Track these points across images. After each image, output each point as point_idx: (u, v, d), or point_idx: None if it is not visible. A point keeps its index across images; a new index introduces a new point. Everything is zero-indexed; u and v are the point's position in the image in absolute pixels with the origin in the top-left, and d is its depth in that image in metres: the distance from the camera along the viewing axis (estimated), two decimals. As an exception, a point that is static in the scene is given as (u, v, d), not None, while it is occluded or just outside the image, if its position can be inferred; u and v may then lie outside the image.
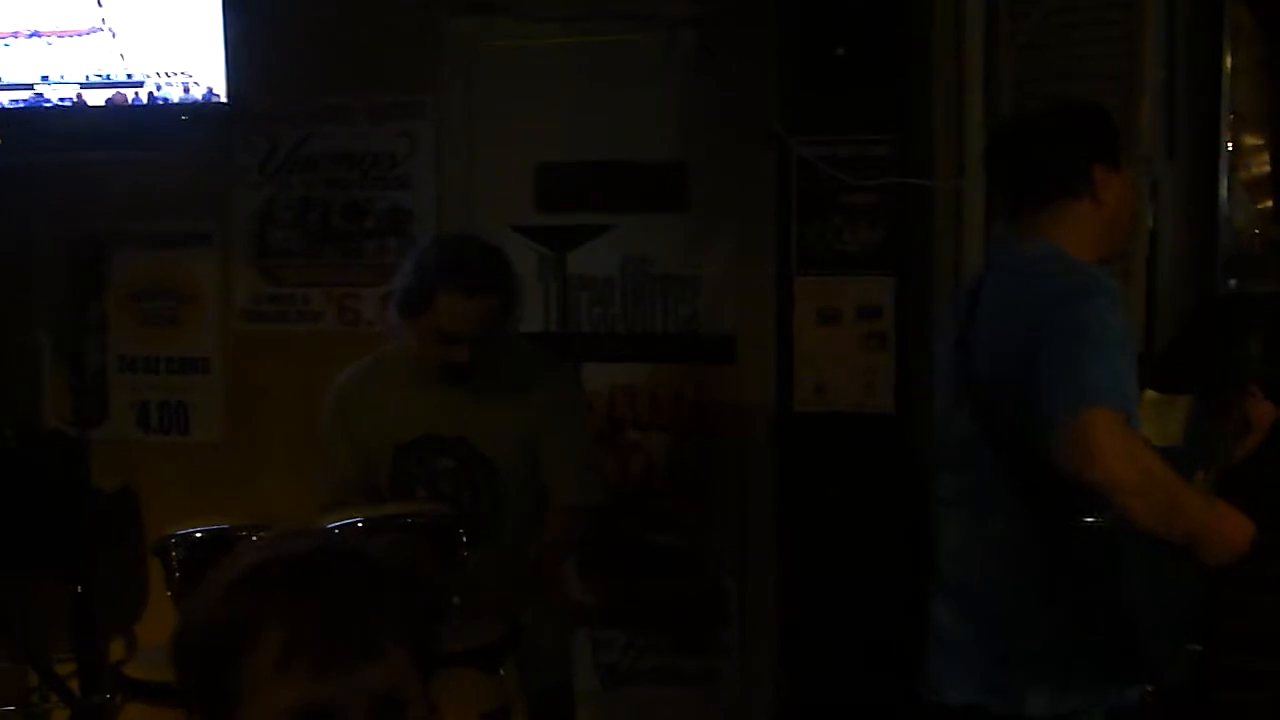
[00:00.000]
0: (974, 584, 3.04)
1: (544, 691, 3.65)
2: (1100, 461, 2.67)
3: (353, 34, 5.06)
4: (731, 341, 4.86)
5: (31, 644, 4.82)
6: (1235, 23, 5.34)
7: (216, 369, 5.40)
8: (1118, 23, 4.56)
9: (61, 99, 4.67)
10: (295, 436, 4.84)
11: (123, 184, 5.31)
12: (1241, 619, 4.17)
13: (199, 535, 3.11)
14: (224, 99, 4.65)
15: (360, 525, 3.07)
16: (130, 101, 4.65)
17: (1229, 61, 5.24)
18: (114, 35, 4.65)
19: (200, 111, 4.68)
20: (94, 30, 4.68)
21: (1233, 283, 5.35)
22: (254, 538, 2.95)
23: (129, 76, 4.67)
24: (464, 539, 3.23)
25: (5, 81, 4.66)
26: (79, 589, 4.70)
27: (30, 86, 4.72)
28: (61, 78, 4.69)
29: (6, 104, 4.66)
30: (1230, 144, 5.37)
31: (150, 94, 4.65)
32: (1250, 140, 6.02)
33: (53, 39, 4.65)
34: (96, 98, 4.68)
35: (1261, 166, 6.24)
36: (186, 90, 4.63)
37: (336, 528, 3.00)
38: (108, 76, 4.67)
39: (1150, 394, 3.04)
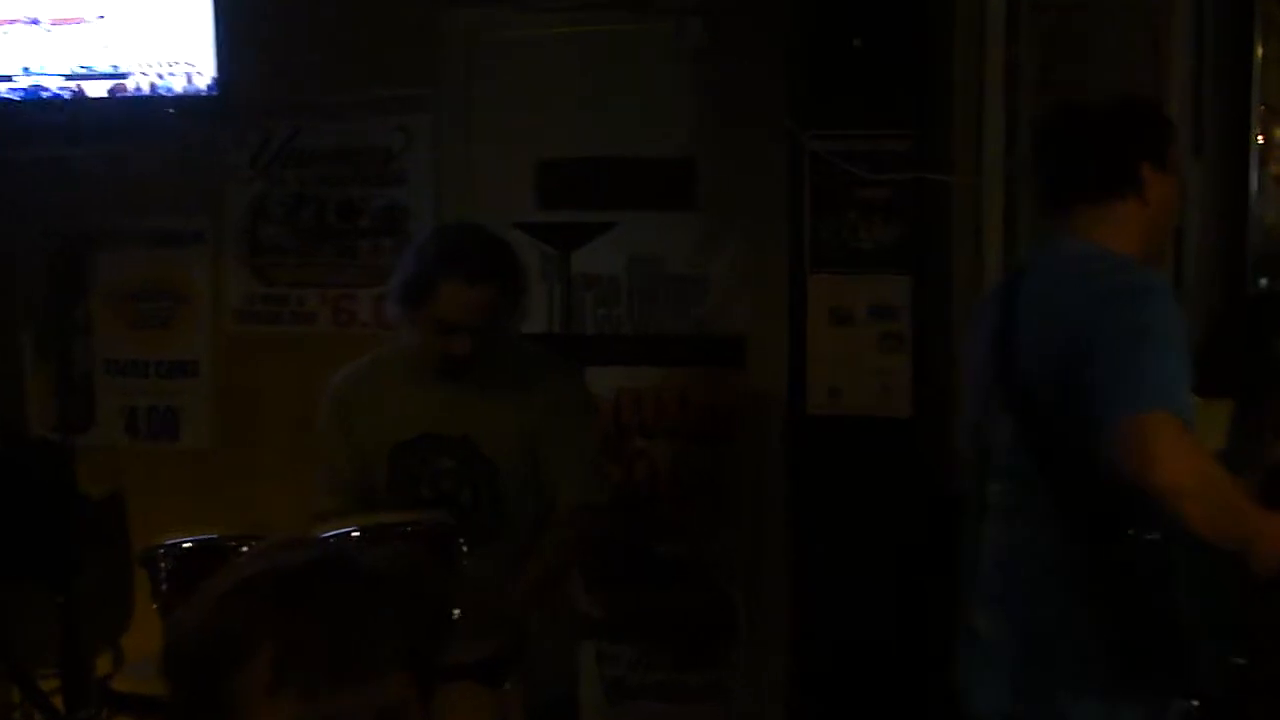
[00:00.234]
0: (1016, 593, 3.04)
1: (548, 706, 3.63)
2: (1160, 465, 2.67)
3: (348, 25, 5.06)
4: (742, 343, 4.86)
5: (14, 657, 4.82)
6: (1266, 12, 5.33)
7: (207, 372, 5.41)
8: (1144, 13, 4.55)
9: (60, 89, 4.67)
10: (289, 442, 4.86)
11: (109, 179, 5.32)
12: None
13: (188, 545, 3.10)
14: (214, 91, 4.66)
15: (356, 534, 3.07)
16: (132, 92, 4.65)
17: (1259, 52, 5.23)
18: (102, 19, 4.65)
19: (189, 104, 4.69)
20: (81, 20, 4.69)
21: (1263, 282, 5.34)
22: (245, 548, 3.00)
23: (115, 68, 4.67)
24: (464, 547, 3.23)
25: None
26: (63, 600, 4.70)
27: (10, 78, 4.73)
28: (42, 69, 4.69)
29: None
30: (1260, 138, 5.36)
31: (153, 85, 4.66)
32: (1281, 134, 6.01)
33: (48, 27, 4.66)
34: (96, 89, 4.69)
35: (1292, 161, 6.22)
36: (190, 80, 4.63)
37: (331, 537, 3.00)
38: (92, 69, 4.67)
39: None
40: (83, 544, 4.88)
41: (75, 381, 5.44)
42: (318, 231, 5.25)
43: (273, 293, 5.30)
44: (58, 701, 4.70)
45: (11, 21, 4.69)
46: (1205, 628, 2.86)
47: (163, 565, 3.08)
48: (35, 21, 4.74)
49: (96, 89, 4.78)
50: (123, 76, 4.67)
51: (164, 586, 3.07)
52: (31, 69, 4.68)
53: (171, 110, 4.69)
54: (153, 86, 4.66)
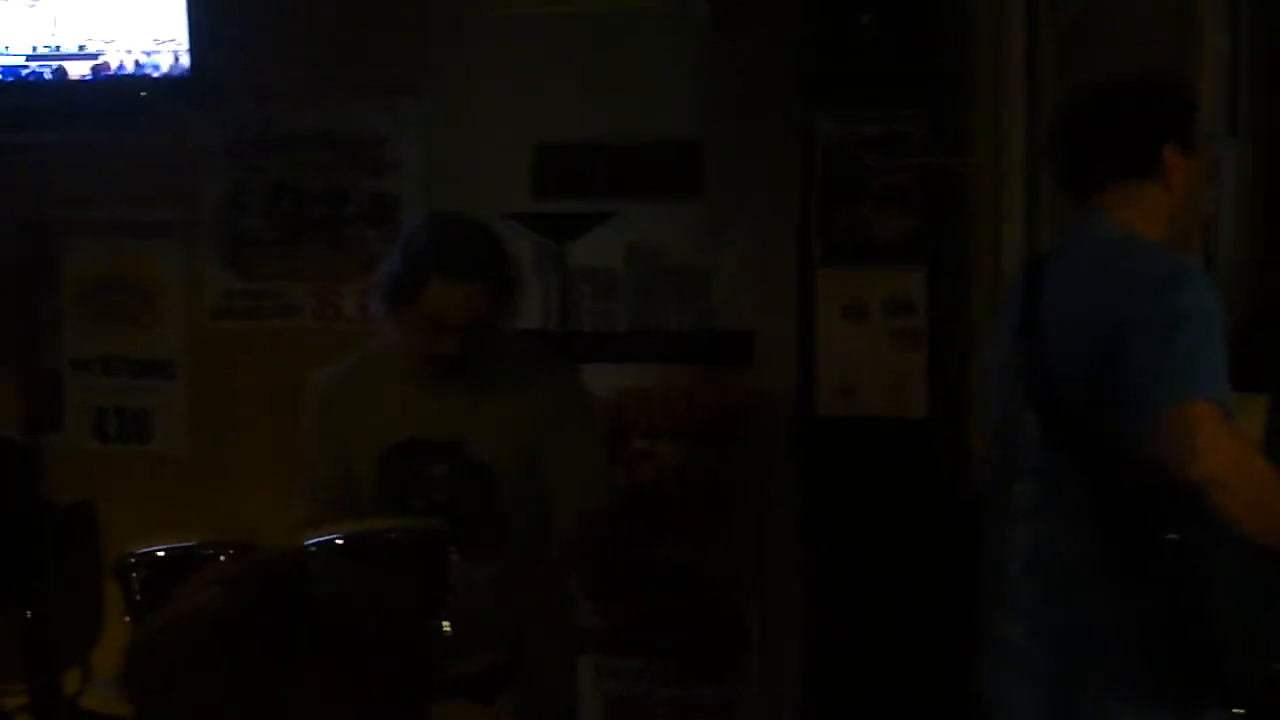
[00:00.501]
0: (1045, 599, 3.04)
1: (546, 723, 3.65)
2: (1204, 457, 2.68)
3: (331, 0, 5.06)
4: (748, 340, 4.85)
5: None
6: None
7: (182, 372, 5.41)
8: (1175, -16, 4.54)
9: (37, 69, 4.66)
10: (269, 446, 4.84)
11: (76, 166, 5.30)
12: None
13: (161, 555, 3.09)
14: (188, 71, 4.65)
15: (340, 542, 3.06)
16: (100, 74, 4.65)
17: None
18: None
19: (162, 85, 4.68)
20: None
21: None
22: (223, 557, 2.99)
23: (82, 48, 4.67)
24: (456, 556, 3.21)
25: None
26: (30, 613, 4.69)
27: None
28: (6, 49, 4.69)
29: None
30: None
31: (122, 65, 4.65)
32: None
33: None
34: (77, 70, 4.68)
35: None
36: (162, 61, 4.62)
37: (314, 545, 2.99)
38: (57, 48, 4.66)
39: None
40: (50, 554, 4.87)
41: (41, 381, 5.43)
42: (299, 222, 5.25)
43: (251, 287, 5.30)
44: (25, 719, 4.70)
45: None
46: (1246, 633, 2.86)
47: (135, 576, 3.07)
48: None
49: (78, 69, 4.77)
50: (92, 57, 4.66)
51: (137, 598, 3.06)
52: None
53: (144, 93, 4.68)
54: (122, 66, 4.65)
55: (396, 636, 1.53)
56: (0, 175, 5.34)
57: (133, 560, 3.08)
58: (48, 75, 4.70)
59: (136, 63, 4.70)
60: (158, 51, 4.70)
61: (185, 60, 4.68)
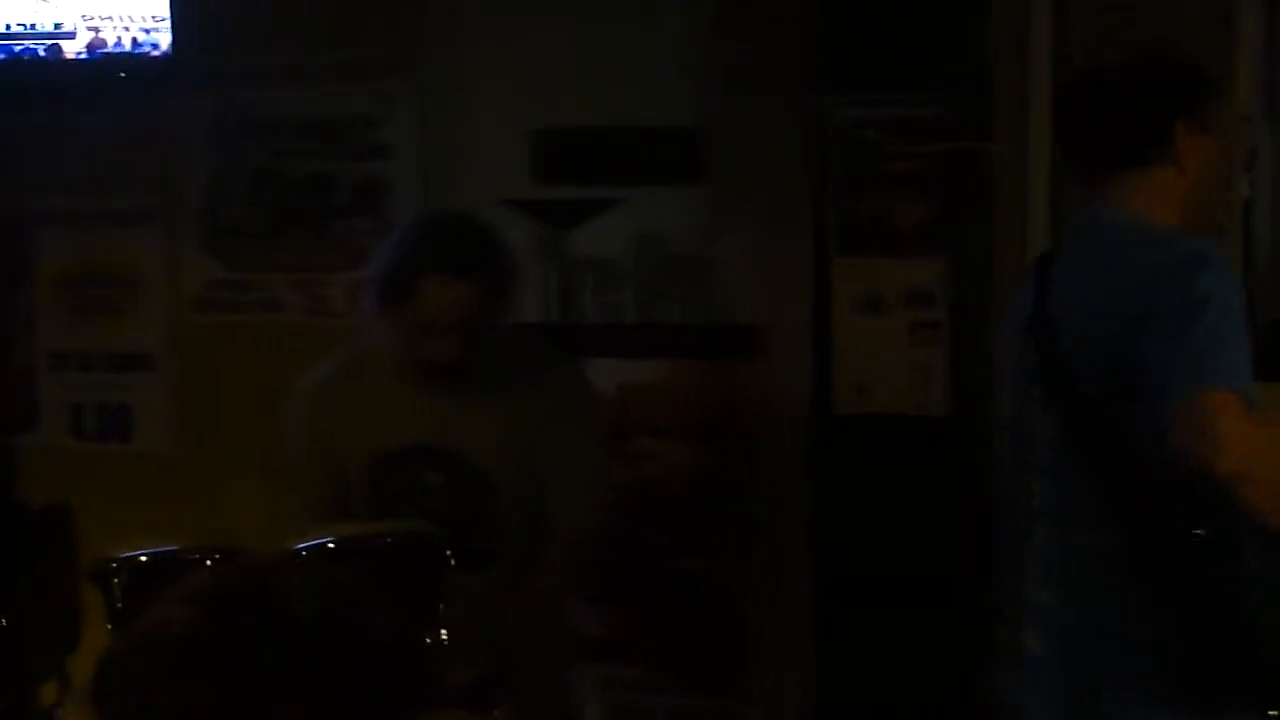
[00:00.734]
0: (1065, 604, 3.05)
1: (545, 735, 3.64)
2: (1226, 449, 2.67)
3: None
4: (759, 334, 4.84)
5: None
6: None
7: (162, 366, 5.42)
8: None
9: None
10: (255, 444, 4.84)
11: (51, 151, 5.30)
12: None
13: (144, 559, 3.09)
14: (168, 52, 4.64)
15: (331, 546, 3.05)
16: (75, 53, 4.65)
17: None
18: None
19: (140, 66, 4.67)
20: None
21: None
22: (209, 561, 2.98)
23: (57, 26, 4.66)
24: (451, 562, 3.21)
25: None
26: (2, 622, 4.68)
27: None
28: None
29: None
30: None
31: (134, 40, 4.64)
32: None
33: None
34: (74, 47, 4.67)
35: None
36: (140, 40, 4.61)
37: (304, 549, 2.98)
38: (32, 26, 4.66)
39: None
40: (23, 559, 4.86)
41: (15, 377, 5.43)
42: (285, 210, 5.26)
43: (235, 278, 5.31)
44: (-3, 735, 4.69)
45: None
46: (1276, 630, 2.86)
47: (116, 581, 3.07)
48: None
49: (74, 47, 4.77)
50: (68, 36, 4.65)
51: (119, 605, 3.05)
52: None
53: (122, 74, 4.67)
54: (155, 41, 4.64)
55: (386, 652, 1.52)
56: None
57: (113, 565, 3.08)
58: (42, 52, 4.69)
59: (99, 44, 4.69)
60: (137, 31, 4.68)
61: (165, 39, 4.67)
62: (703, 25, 4.83)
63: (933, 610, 4.32)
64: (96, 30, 4.81)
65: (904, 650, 4.36)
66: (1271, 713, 2.98)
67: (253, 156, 5.27)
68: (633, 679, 5.00)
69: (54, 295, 5.49)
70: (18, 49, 4.79)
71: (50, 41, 4.77)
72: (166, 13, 4.68)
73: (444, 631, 3.08)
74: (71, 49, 4.74)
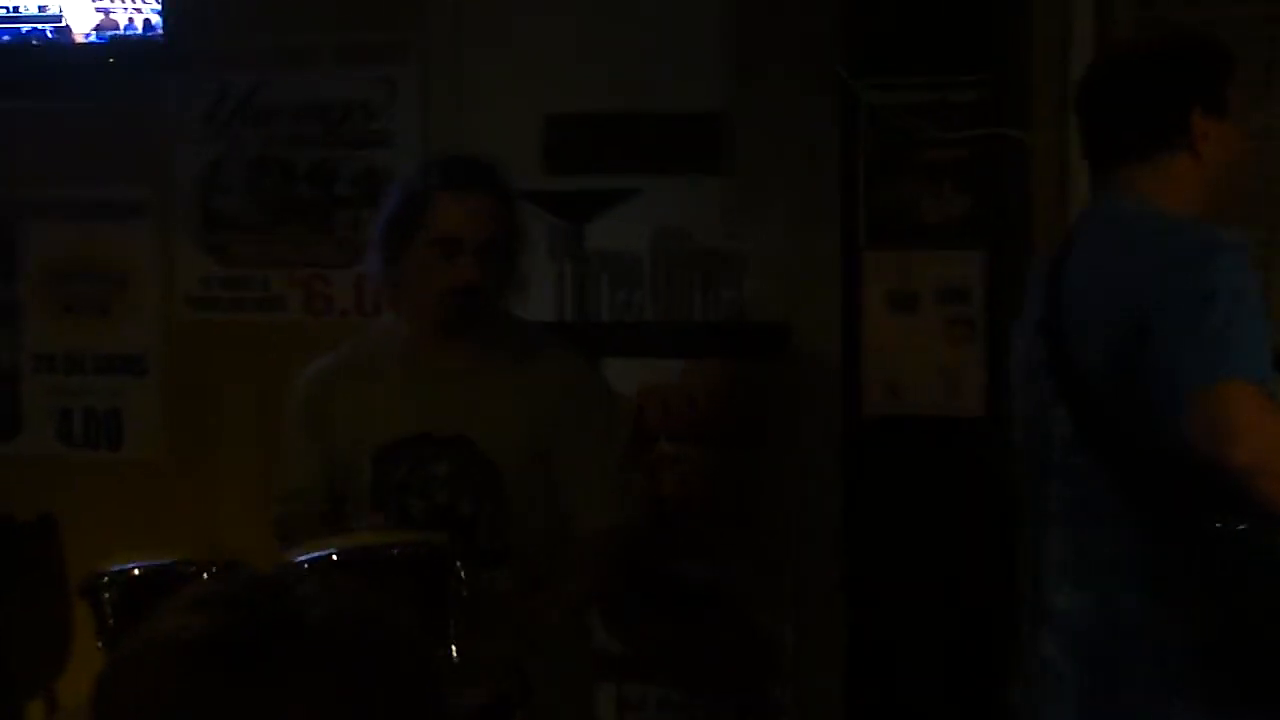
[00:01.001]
0: (1083, 609, 3.05)
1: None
2: (1242, 441, 2.68)
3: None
4: (785, 332, 4.86)
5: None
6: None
7: (155, 368, 5.41)
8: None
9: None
10: (252, 451, 4.84)
11: (37, 139, 5.30)
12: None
13: (136, 573, 3.09)
14: (161, 35, 4.65)
15: (335, 558, 3.05)
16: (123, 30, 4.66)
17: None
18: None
19: (132, 50, 4.67)
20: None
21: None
22: (204, 575, 2.98)
23: (42, 9, 4.67)
24: (462, 574, 3.21)
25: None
26: (-12, 638, 4.69)
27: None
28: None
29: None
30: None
31: (146, 22, 4.65)
32: None
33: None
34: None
35: None
36: (132, 22, 4.62)
37: (306, 561, 2.98)
38: (16, 9, 4.66)
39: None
40: (9, 572, 4.87)
41: (-1, 379, 5.44)
42: (284, 202, 5.26)
43: (232, 274, 5.32)
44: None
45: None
46: None
47: (107, 597, 3.08)
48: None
49: (83, 29, 4.79)
50: (55, 20, 4.65)
51: (110, 621, 3.06)
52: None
53: (111, 59, 4.67)
54: (109, 28, 4.66)
55: (397, 664, 1.53)
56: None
57: (104, 579, 3.09)
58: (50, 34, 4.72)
59: (130, 22, 4.71)
60: (130, 13, 4.70)
61: (159, 22, 4.67)
62: (725, 3, 4.83)
63: (967, 618, 4.32)
64: (107, 11, 4.82)
65: (937, 657, 4.36)
66: None
67: (249, 144, 5.27)
68: (655, 698, 5.01)
69: (39, 292, 5.49)
70: (25, 30, 4.80)
71: (60, 25, 4.80)
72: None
73: (454, 648, 3.09)
74: (80, 30, 4.75)
